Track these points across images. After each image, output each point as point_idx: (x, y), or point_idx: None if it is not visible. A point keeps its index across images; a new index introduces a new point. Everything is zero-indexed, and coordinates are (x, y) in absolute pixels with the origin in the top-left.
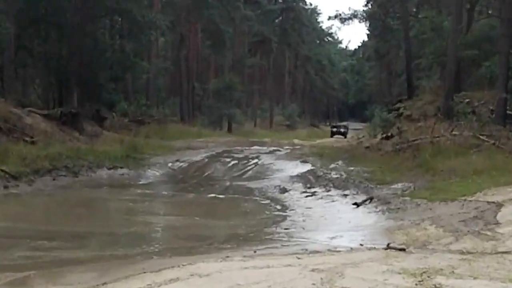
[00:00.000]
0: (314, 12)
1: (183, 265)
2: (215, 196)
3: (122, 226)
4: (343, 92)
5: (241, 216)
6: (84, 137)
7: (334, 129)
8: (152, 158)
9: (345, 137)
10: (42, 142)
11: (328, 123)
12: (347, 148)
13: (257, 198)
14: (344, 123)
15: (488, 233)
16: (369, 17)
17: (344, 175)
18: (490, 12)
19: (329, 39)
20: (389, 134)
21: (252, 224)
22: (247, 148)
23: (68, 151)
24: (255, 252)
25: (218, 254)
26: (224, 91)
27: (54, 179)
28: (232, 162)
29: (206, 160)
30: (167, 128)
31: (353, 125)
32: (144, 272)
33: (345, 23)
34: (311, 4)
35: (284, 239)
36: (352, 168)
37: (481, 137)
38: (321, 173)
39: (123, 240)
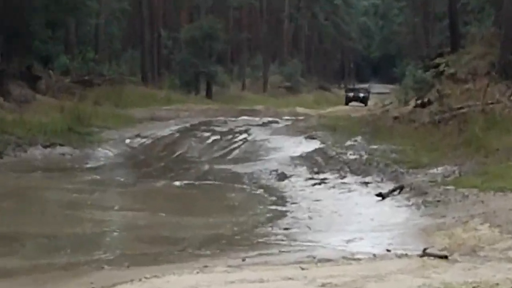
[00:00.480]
0: None
1: (145, 278)
2: (189, 184)
3: (63, 225)
4: (363, 43)
5: (224, 211)
6: (10, 104)
7: (351, 94)
8: (104, 132)
9: (366, 104)
10: None
11: (342, 86)
12: (368, 119)
13: (246, 187)
14: (364, 86)
15: None
16: None
17: (365, 156)
18: None
19: None
20: (426, 100)
21: (240, 222)
22: (232, 118)
23: None
24: (243, 260)
25: (193, 263)
26: (201, 42)
27: None
28: (213, 138)
29: (177, 135)
30: (123, 92)
31: (376, 87)
32: None
33: None
34: None
35: (283, 242)
36: (375, 146)
37: None
38: (334, 153)
39: (64, 244)
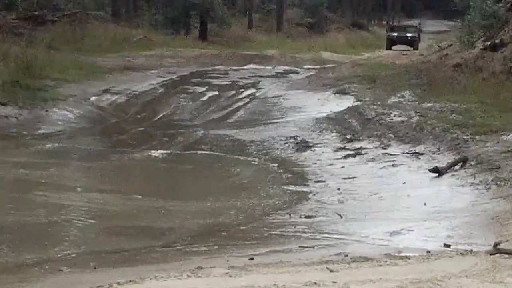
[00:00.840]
0: None
1: (118, 284)
2: (177, 156)
3: (7, 211)
4: None
5: (225, 193)
6: None
7: (394, 35)
8: (61, 86)
9: (415, 47)
10: None
11: (384, 23)
12: (420, 68)
13: (254, 160)
14: (413, 23)
15: None
16: None
17: (415, 118)
18: None
19: None
20: (497, 41)
21: (246, 207)
22: (235, 68)
23: None
24: (251, 259)
25: (183, 264)
26: None
27: None
28: (209, 95)
29: (161, 90)
30: (87, 32)
31: (429, 24)
32: None
33: None
34: None
35: (304, 235)
36: (429, 104)
37: None
38: (373, 114)
39: (8, 237)
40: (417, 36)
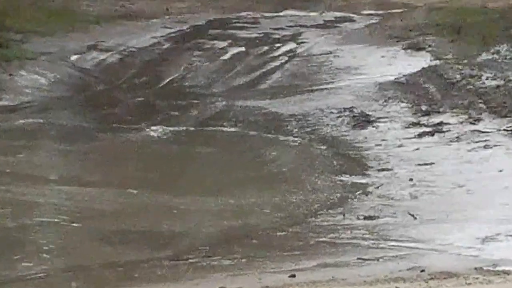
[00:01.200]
0: None
1: None
2: (188, 134)
3: None
4: None
5: (256, 185)
6: None
7: None
8: (30, 41)
9: None
10: None
11: None
12: None
13: (295, 140)
14: None
15: None
16: None
17: None
18: None
19: None
20: None
21: (285, 205)
22: (268, 14)
23: None
24: (292, 276)
25: (199, 283)
26: None
27: None
28: (232, 51)
29: (167, 45)
30: None
31: None
32: None
33: None
34: None
35: (364, 243)
36: None
37: None
38: (458, 77)
39: None
40: None
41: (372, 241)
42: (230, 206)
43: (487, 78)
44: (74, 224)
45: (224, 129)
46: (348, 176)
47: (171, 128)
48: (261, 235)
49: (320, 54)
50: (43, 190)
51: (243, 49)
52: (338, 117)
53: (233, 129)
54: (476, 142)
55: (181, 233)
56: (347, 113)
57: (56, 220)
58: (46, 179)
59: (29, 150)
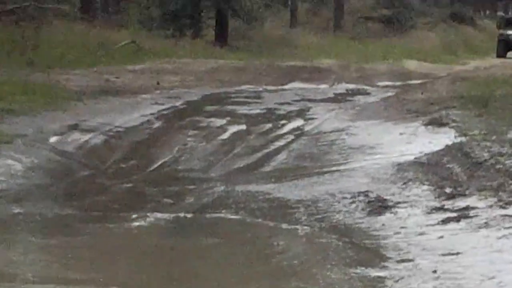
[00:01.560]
0: None
1: None
2: (184, 225)
3: None
4: None
5: (262, 279)
6: None
7: (511, 34)
8: (5, 121)
9: None
10: None
11: (499, 13)
12: None
13: (304, 228)
14: None
15: None
16: None
17: None
18: None
19: None
20: None
21: None
22: (272, 87)
23: None
24: None
25: None
26: None
27: None
28: (231, 130)
29: (158, 124)
30: (45, 37)
31: None
32: None
33: None
34: None
35: None
36: None
37: None
38: (485, 155)
39: None
40: None
41: None
42: None
43: None
44: None
45: (224, 217)
46: (364, 268)
47: (164, 218)
48: None
49: (331, 132)
50: None
51: (243, 127)
52: (352, 202)
53: (234, 217)
54: (507, 228)
55: None
56: (361, 197)
57: None
58: (23, 278)
59: (2, 244)
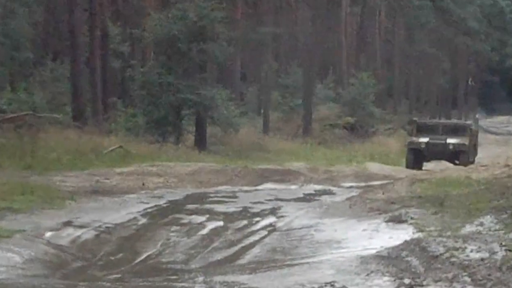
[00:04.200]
0: None
1: None
2: None
3: None
4: (491, 42)
5: None
6: None
7: (423, 141)
8: (5, 218)
9: (464, 163)
10: None
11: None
12: (506, 184)
13: None
14: (459, 122)
15: None
16: None
17: (500, 253)
18: None
19: None
20: None
21: None
22: (247, 188)
23: None
24: None
25: None
26: (185, 44)
27: None
28: (210, 226)
29: (143, 221)
30: (40, 142)
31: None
32: None
33: None
34: None
35: None
36: None
37: None
38: (441, 249)
39: None
40: (467, 143)
41: None
42: None
43: (471, 251)
44: None
45: None
46: None
47: None
48: None
49: (301, 228)
50: None
51: (221, 223)
52: None
53: None
54: None
55: None
56: (328, 287)
57: None
58: None
59: None
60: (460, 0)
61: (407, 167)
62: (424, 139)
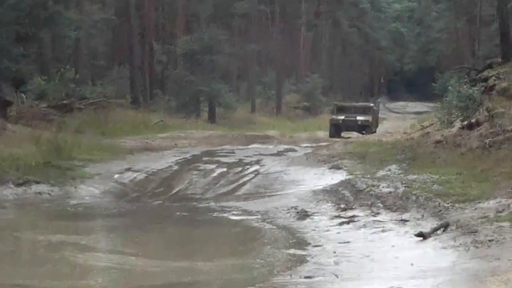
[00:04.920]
0: None
1: None
2: (191, 220)
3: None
4: (395, 54)
5: (231, 255)
6: None
7: (340, 118)
8: (88, 166)
9: (369, 132)
10: None
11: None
12: (404, 144)
13: (258, 226)
14: (367, 104)
15: None
16: None
17: (401, 188)
18: None
19: None
20: (473, 120)
21: (249, 269)
22: (241, 147)
23: None
24: None
25: None
26: (201, 56)
27: None
28: (218, 171)
29: (176, 167)
30: (110, 118)
31: (412, 106)
32: None
33: None
34: None
35: None
36: (414, 176)
37: None
38: (364, 186)
39: None
40: (370, 120)
41: None
42: (216, 267)
43: (383, 187)
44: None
45: (215, 216)
46: (293, 249)
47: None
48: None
49: (275, 172)
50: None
51: (225, 169)
52: (287, 212)
53: (220, 215)
54: (376, 228)
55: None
56: (293, 210)
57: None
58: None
59: (99, 224)
60: (375, 26)
61: (330, 136)
62: (341, 117)
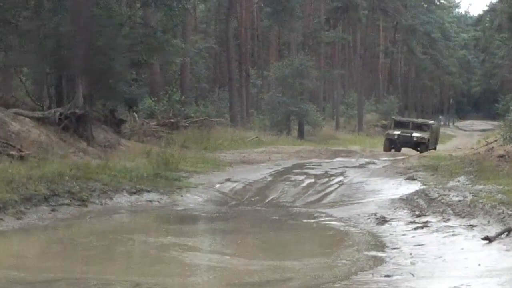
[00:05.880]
0: None
1: None
2: (284, 223)
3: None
4: (463, 78)
5: (318, 255)
6: (95, 149)
7: (395, 134)
8: (192, 177)
9: (423, 149)
10: (34, 157)
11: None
12: (471, 158)
13: (342, 230)
14: (424, 121)
15: None
16: None
17: (469, 197)
18: None
19: (442, 1)
20: None
21: (335, 267)
22: (327, 160)
23: (71, 169)
24: None
25: None
26: (291, 80)
27: (53, 210)
28: (307, 181)
29: (270, 178)
30: (211, 134)
31: (478, 124)
32: None
33: None
34: None
35: None
36: (480, 186)
37: None
38: (436, 195)
39: None
40: (427, 137)
41: None
42: (299, 267)
43: (453, 196)
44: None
45: (304, 222)
46: (374, 251)
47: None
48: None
49: (357, 183)
50: (199, 255)
51: (313, 180)
52: (368, 218)
53: (309, 221)
54: (447, 232)
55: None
56: (373, 216)
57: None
58: (200, 249)
59: (202, 227)
60: (445, 54)
61: (384, 150)
62: (397, 132)
